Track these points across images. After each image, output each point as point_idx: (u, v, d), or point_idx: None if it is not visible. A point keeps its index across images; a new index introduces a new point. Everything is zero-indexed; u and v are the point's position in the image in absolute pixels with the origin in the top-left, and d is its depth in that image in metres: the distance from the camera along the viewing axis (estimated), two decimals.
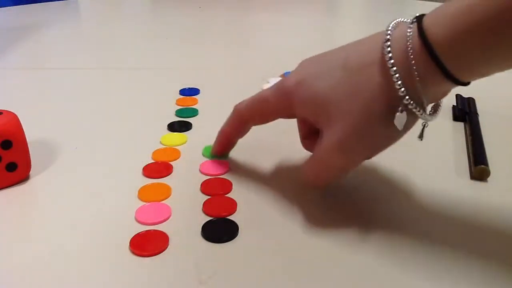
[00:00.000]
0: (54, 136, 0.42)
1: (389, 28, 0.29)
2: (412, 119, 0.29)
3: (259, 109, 0.35)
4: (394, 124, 0.28)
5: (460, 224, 0.31)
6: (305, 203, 0.33)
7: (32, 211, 0.33)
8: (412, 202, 0.33)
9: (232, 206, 0.32)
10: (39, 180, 0.36)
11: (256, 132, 0.44)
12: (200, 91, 0.54)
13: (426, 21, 0.27)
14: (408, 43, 0.27)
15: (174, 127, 0.45)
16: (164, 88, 0.55)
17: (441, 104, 0.31)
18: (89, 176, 0.37)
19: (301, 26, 0.89)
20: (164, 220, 0.31)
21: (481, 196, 0.34)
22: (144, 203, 0.33)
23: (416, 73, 0.27)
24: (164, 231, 0.30)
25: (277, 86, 0.34)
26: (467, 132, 0.43)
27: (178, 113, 0.48)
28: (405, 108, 0.28)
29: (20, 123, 0.35)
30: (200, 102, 0.51)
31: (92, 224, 0.31)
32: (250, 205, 0.33)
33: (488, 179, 0.36)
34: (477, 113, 0.46)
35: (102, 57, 0.70)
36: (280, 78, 0.57)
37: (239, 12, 1.05)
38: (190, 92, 0.54)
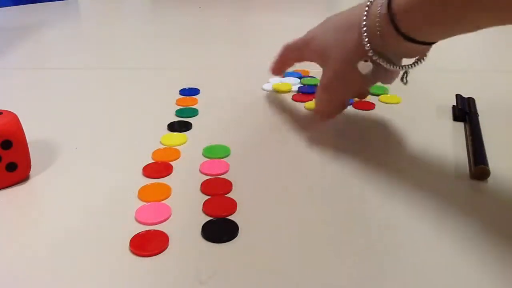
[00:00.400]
0: (54, 136, 0.42)
1: None
2: (381, 68, 0.38)
3: (291, 53, 0.48)
4: (365, 72, 0.37)
5: (460, 224, 0.31)
6: (305, 203, 0.33)
7: (32, 211, 0.33)
8: (412, 202, 0.33)
9: (232, 206, 0.32)
10: (39, 180, 0.36)
11: (256, 132, 0.44)
12: (200, 91, 0.54)
13: None
14: (379, 9, 0.35)
15: (174, 127, 0.45)
16: (164, 88, 0.55)
17: (424, 59, 0.38)
18: (89, 176, 0.37)
19: (301, 26, 0.89)
20: (164, 220, 0.31)
21: (481, 196, 0.34)
22: (144, 203, 0.33)
23: (378, 32, 0.36)
24: (164, 231, 0.30)
25: (302, 37, 0.45)
26: (467, 132, 0.43)
27: (178, 113, 0.48)
28: (370, 59, 0.37)
29: (20, 123, 0.35)
30: (200, 102, 0.51)
31: (92, 224, 0.31)
32: (250, 205, 0.33)
33: (488, 179, 0.36)
34: (477, 113, 0.46)
35: (102, 57, 0.70)
36: (280, 79, 0.58)
37: (239, 12, 1.05)
38: (190, 92, 0.54)
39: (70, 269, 0.27)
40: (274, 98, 0.53)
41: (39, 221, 0.31)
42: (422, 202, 0.33)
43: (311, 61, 0.44)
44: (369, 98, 0.52)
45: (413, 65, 0.38)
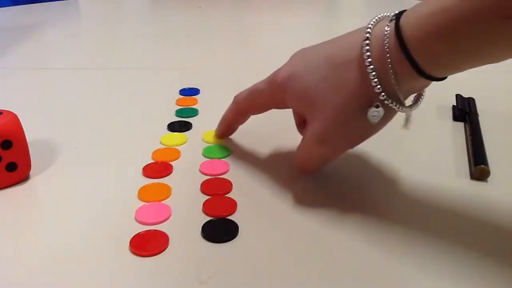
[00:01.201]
0: (54, 136, 0.42)
1: (370, 24, 0.30)
2: (390, 112, 0.31)
3: (254, 101, 0.38)
4: (376, 120, 0.30)
5: (460, 224, 0.31)
6: (306, 204, 0.33)
7: (32, 211, 0.33)
8: (412, 202, 0.33)
9: (232, 206, 0.32)
10: (39, 180, 0.36)
11: (256, 132, 0.44)
12: (200, 91, 0.54)
13: (403, 19, 0.28)
14: (385, 41, 0.29)
15: (174, 127, 0.45)
16: (164, 88, 0.55)
17: (423, 94, 0.33)
18: (89, 176, 0.36)
19: (301, 26, 0.89)
20: (164, 220, 0.31)
21: (481, 196, 0.34)
22: (144, 203, 0.33)
23: (391, 70, 0.29)
24: (164, 231, 0.30)
25: (270, 79, 0.35)
26: (467, 132, 0.43)
27: (178, 113, 0.48)
28: (381, 103, 0.30)
29: (20, 123, 0.35)
30: (200, 102, 0.51)
31: (92, 224, 0.31)
32: (250, 205, 0.33)
33: (488, 179, 0.36)
34: (477, 113, 0.46)
35: (102, 57, 0.70)
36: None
37: (239, 12, 1.05)
38: (190, 92, 0.54)
39: (70, 269, 0.27)
40: None
41: (39, 221, 0.31)
42: (422, 202, 0.33)
43: (287, 108, 0.36)
44: None
45: (416, 105, 0.33)
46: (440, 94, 0.52)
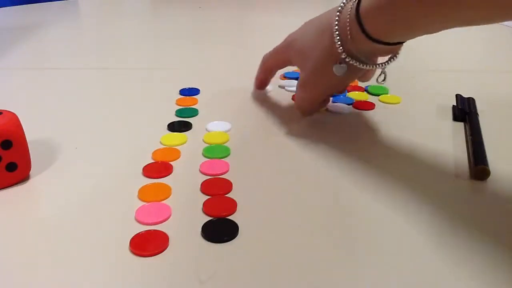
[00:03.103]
0: (54, 136, 0.42)
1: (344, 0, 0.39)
2: (354, 69, 0.40)
3: (274, 59, 0.50)
4: (339, 74, 0.40)
5: (460, 224, 0.31)
6: (305, 204, 0.33)
7: (32, 211, 0.33)
8: (412, 202, 0.33)
9: (232, 206, 0.32)
10: (39, 180, 0.36)
11: (256, 132, 0.44)
12: (200, 91, 0.54)
13: None
14: (348, 13, 0.37)
15: (174, 127, 0.45)
16: (164, 88, 0.55)
17: (396, 56, 0.41)
18: (89, 176, 0.36)
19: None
20: (164, 220, 0.31)
21: (481, 196, 0.34)
22: (144, 203, 0.33)
23: (349, 36, 0.38)
24: (164, 231, 0.30)
25: (284, 41, 0.47)
26: (467, 132, 0.43)
27: (178, 113, 0.48)
28: (344, 61, 0.39)
29: (20, 123, 0.35)
30: (200, 102, 0.51)
31: (92, 224, 0.31)
32: (250, 205, 0.33)
33: (488, 179, 0.36)
34: (477, 113, 0.46)
35: (102, 57, 0.70)
36: (279, 78, 0.58)
37: (239, 12, 1.05)
38: (190, 92, 0.54)
39: (70, 269, 0.27)
40: (274, 98, 0.53)
41: (39, 221, 0.31)
42: (422, 202, 0.33)
43: (292, 63, 0.46)
44: (369, 98, 0.52)
45: (385, 64, 0.40)
46: (440, 94, 0.52)
